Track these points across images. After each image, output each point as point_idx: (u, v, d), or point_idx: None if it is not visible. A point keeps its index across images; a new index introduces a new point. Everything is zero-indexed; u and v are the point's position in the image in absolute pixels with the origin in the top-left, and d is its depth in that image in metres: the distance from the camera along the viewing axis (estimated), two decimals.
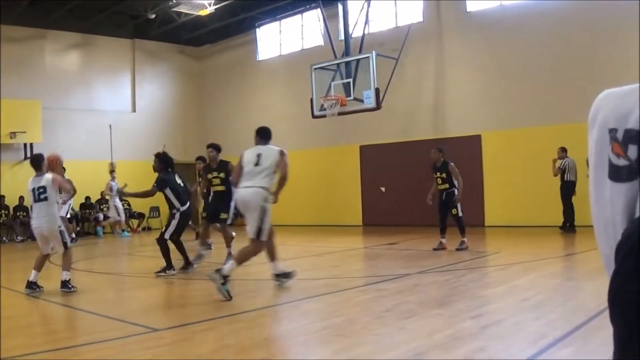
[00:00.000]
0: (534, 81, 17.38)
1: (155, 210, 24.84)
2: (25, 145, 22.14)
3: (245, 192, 8.66)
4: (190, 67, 27.62)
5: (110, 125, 24.29)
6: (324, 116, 18.10)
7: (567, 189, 15.58)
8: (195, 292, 9.79)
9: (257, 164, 8.85)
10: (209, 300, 8.34)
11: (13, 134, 21.26)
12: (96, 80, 24.72)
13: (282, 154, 8.94)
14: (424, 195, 18.76)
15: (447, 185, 13.09)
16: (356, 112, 17.91)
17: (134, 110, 25.73)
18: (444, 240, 13.10)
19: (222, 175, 12.05)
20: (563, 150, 15.66)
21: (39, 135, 21.93)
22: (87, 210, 23.14)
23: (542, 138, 16.86)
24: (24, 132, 21.54)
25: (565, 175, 15.61)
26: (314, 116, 18.47)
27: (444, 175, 13.20)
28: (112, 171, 21.97)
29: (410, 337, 5.88)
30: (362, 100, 17.26)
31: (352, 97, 17.41)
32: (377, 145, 20.98)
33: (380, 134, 20.78)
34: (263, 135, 9.57)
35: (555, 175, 15.67)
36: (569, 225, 15.46)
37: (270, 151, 9.05)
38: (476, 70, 18.75)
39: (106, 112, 24.59)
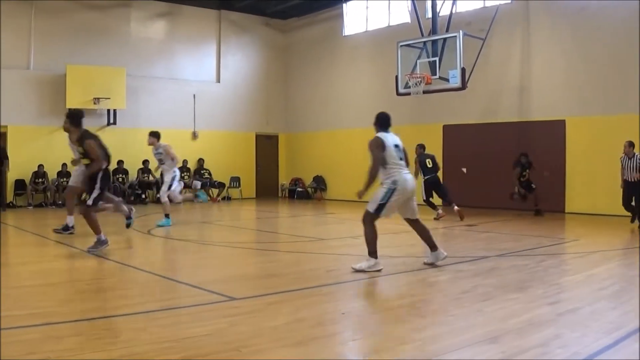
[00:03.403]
0: (620, 68, 17.00)
1: (235, 180, 25.27)
2: (108, 111, 22.75)
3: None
4: (275, 40, 27.84)
5: (194, 95, 24.75)
6: (409, 94, 18.07)
7: None
8: (274, 264, 9.99)
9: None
10: (287, 272, 8.52)
11: (97, 100, 21.84)
12: (181, 50, 25.14)
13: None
14: (505, 178, 18.72)
15: None
16: (441, 91, 17.81)
17: (218, 80, 26.11)
18: None
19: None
20: (631, 145, 14.59)
21: (122, 102, 22.55)
22: None
23: (627, 126, 16.50)
24: (108, 99, 22.12)
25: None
26: (398, 93, 18.45)
27: None
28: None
29: (486, 320, 5.97)
30: (447, 80, 17.15)
31: (437, 76, 17.32)
32: (460, 125, 20.87)
33: (463, 114, 20.66)
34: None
35: None
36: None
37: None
38: (562, 55, 18.41)
39: (190, 82, 25.06)
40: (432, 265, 9.07)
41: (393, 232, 12.55)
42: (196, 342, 5.18)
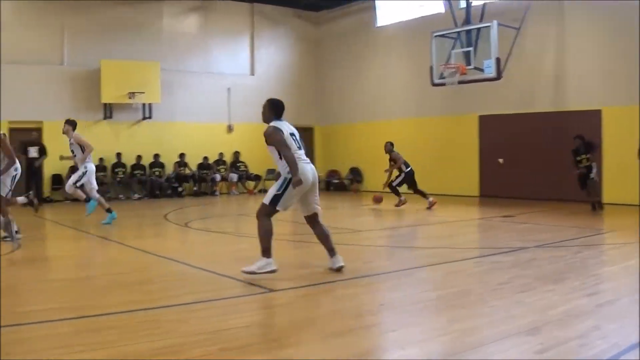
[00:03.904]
0: None
1: (271, 172, 25.31)
2: (143, 105, 22.90)
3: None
4: (308, 32, 27.79)
5: (228, 89, 24.84)
6: (444, 84, 18.00)
7: None
8: (312, 256, 10.00)
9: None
10: (324, 264, 8.56)
11: (132, 94, 21.99)
12: (214, 44, 25.17)
13: None
14: (543, 168, 18.58)
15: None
16: (476, 82, 17.71)
17: (252, 73, 26.13)
18: None
19: None
20: None
21: (157, 96, 22.68)
22: (205, 171, 23.77)
23: None
24: (143, 93, 22.27)
25: None
26: (433, 84, 18.38)
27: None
28: None
29: (525, 311, 5.94)
30: (482, 70, 17.06)
31: (472, 66, 17.23)
32: (496, 115, 20.71)
33: (498, 104, 20.49)
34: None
35: None
36: None
37: None
38: (597, 44, 18.17)
39: (224, 75, 25.10)
40: (335, 270, 8.05)
41: (426, 223, 12.52)
42: (234, 333, 5.22)
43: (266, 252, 7.71)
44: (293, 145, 8.00)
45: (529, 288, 6.95)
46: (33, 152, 20.09)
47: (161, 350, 4.75)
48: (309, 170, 8.07)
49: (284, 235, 12.81)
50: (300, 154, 8.08)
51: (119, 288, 7.29)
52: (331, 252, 8.19)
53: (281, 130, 7.98)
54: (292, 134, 8.15)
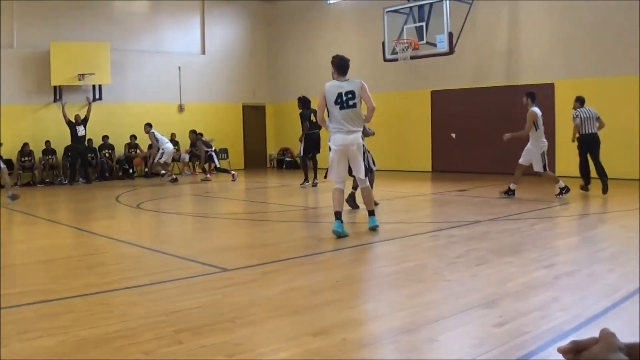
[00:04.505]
0: (610, 30, 16.85)
1: (223, 151, 25.09)
2: (94, 86, 22.40)
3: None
4: (259, 9, 27.46)
5: (179, 67, 24.53)
6: (396, 60, 17.97)
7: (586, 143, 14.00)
8: (266, 234, 9.93)
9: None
10: (280, 242, 8.46)
11: (82, 76, 21.54)
12: (165, 22, 24.72)
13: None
14: (495, 142, 18.67)
15: None
16: (429, 57, 17.72)
17: (203, 52, 25.80)
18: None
19: None
20: (578, 100, 14.18)
21: (107, 77, 22.21)
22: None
23: (617, 89, 16.41)
24: (93, 74, 21.82)
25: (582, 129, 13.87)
26: (385, 60, 18.35)
27: None
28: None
29: (483, 285, 5.91)
30: (434, 45, 17.06)
31: (424, 41, 17.22)
32: (448, 90, 20.73)
33: (451, 79, 20.52)
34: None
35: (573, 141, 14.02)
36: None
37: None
38: (551, 18, 18.23)
39: (175, 54, 24.71)
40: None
41: (381, 199, 12.49)
42: (190, 314, 5.12)
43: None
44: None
45: (485, 261, 6.94)
46: None
47: (116, 334, 4.62)
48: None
49: (236, 215, 12.72)
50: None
51: (75, 272, 7.13)
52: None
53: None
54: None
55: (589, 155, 13.89)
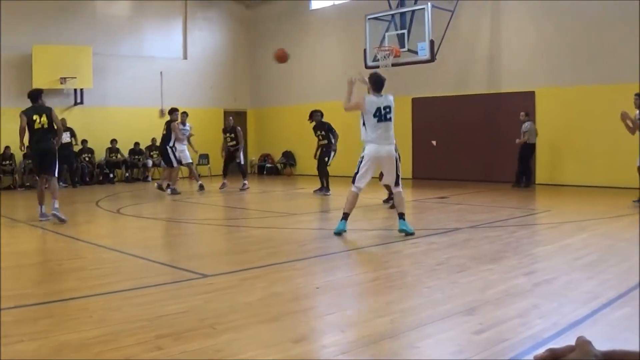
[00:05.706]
0: (592, 39, 16.97)
1: (204, 157, 25.01)
2: (75, 90, 22.33)
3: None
4: (242, 14, 27.43)
5: (161, 72, 24.48)
6: (378, 67, 17.97)
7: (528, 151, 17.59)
8: (246, 240, 9.91)
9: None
10: (260, 248, 8.44)
11: (63, 80, 21.43)
12: (147, 27, 24.67)
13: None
14: (476, 149, 18.77)
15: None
16: (410, 64, 17.75)
17: (185, 57, 25.75)
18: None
19: None
20: (527, 115, 17.45)
21: (89, 81, 22.10)
22: (136, 157, 23.37)
23: (598, 97, 16.53)
24: (75, 78, 21.71)
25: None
26: (367, 67, 18.35)
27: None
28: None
29: (463, 292, 5.93)
30: (416, 52, 17.11)
31: (406, 49, 17.26)
32: (429, 97, 20.81)
33: (433, 86, 20.58)
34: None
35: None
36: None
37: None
38: (533, 26, 18.35)
39: (157, 59, 24.66)
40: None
41: (361, 205, 12.49)
42: (170, 320, 5.09)
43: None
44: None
45: (465, 268, 6.96)
46: None
47: (96, 339, 4.59)
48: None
49: (216, 221, 12.70)
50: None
51: (54, 276, 7.11)
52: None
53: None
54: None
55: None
